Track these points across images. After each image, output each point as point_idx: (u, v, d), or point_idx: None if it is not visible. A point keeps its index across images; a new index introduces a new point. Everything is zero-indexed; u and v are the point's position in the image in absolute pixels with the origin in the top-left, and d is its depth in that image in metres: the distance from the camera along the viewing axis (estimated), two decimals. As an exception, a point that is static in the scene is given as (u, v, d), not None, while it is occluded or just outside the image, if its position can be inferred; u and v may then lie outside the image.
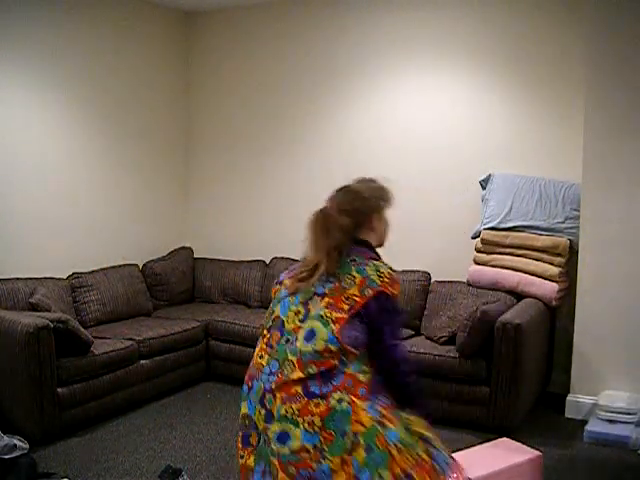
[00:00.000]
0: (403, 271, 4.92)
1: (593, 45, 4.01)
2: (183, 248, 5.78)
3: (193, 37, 5.94)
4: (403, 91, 5.08)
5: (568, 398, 4.22)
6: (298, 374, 1.95)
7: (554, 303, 4.34)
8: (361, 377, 1.98)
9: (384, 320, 2.06)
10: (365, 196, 2.27)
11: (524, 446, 2.99)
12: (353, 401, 1.92)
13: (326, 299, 2.04)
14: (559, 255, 4.31)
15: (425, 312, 4.73)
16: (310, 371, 1.94)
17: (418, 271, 4.89)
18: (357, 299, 2.02)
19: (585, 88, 4.06)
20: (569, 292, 4.36)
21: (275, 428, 1.94)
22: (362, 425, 1.90)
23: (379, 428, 1.91)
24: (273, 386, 1.98)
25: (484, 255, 4.55)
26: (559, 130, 4.57)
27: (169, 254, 5.65)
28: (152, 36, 5.61)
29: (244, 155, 5.74)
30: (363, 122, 5.25)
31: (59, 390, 3.77)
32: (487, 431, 3.79)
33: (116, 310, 4.84)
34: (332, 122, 5.40)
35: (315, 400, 1.92)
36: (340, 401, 1.91)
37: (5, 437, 3.41)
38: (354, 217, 2.21)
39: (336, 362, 1.95)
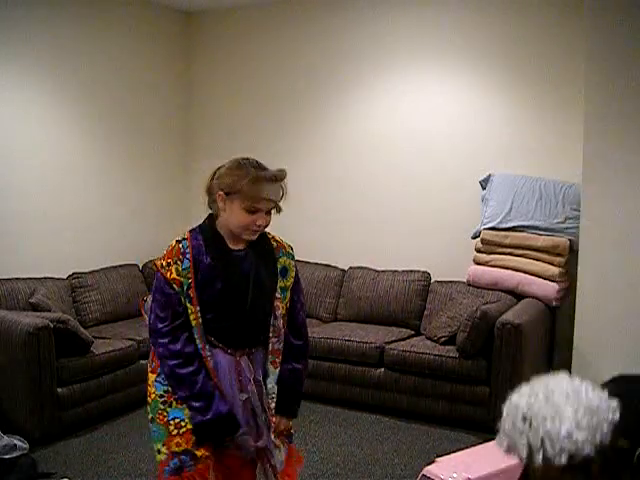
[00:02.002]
0: (403, 271, 4.94)
1: (593, 45, 4.00)
2: (183, 248, 5.76)
3: (193, 37, 5.93)
4: (403, 91, 5.07)
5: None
6: None
7: (554, 303, 4.34)
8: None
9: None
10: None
11: (524, 446, 2.97)
12: (148, 373, 2.15)
13: None
14: (559, 255, 4.31)
15: (425, 312, 4.74)
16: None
17: (418, 271, 4.89)
18: None
19: (585, 88, 4.06)
20: (569, 292, 4.36)
21: None
22: (150, 397, 2.10)
23: (160, 405, 2.06)
24: None
25: (484, 255, 4.55)
26: (559, 130, 4.57)
27: (169, 254, 5.63)
28: (152, 36, 5.60)
29: (244, 154, 5.72)
30: (363, 122, 5.25)
31: (59, 390, 3.77)
32: (487, 431, 3.78)
33: (116, 310, 4.84)
34: (332, 122, 5.39)
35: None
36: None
37: (5, 437, 3.42)
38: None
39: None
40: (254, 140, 5.69)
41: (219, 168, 2.14)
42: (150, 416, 2.08)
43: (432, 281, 4.87)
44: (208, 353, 2.05)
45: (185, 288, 2.02)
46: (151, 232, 5.64)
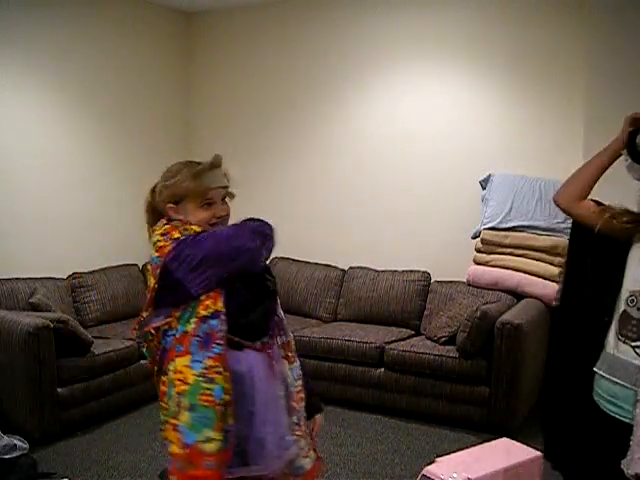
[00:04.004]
0: (403, 271, 4.94)
1: (593, 45, 4.01)
2: (183, 248, 5.76)
3: (193, 37, 5.93)
4: (403, 91, 5.07)
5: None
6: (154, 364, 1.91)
7: (554, 303, 4.33)
8: (181, 333, 1.81)
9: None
10: None
11: (524, 446, 2.98)
12: (173, 361, 1.80)
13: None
14: (559, 255, 4.30)
15: (425, 312, 4.74)
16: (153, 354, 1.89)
17: (418, 271, 4.89)
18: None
19: (585, 88, 4.06)
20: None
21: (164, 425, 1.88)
22: (186, 383, 1.77)
23: (202, 384, 1.76)
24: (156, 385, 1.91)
25: (484, 255, 4.55)
26: (559, 130, 4.57)
27: (169, 254, 5.64)
28: (152, 36, 5.61)
29: (244, 155, 5.73)
30: (363, 122, 5.25)
31: (59, 390, 3.77)
32: (487, 431, 3.79)
33: (116, 310, 4.84)
34: (332, 122, 5.39)
35: (162, 379, 1.83)
36: (174, 369, 1.80)
37: (5, 437, 3.42)
38: None
39: (161, 335, 1.84)
40: (254, 140, 5.70)
41: (154, 187, 2.03)
42: (188, 403, 1.75)
43: (432, 281, 4.87)
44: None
45: None
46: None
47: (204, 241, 1.82)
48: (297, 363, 2.08)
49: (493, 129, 4.79)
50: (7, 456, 3.33)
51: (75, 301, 4.67)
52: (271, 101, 5.62)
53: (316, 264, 5.29)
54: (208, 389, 1.76)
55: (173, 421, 1.77)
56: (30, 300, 4.20)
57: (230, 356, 1.80)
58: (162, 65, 5.73)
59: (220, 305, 1.79)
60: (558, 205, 2.09)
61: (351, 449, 3.76)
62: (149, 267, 1.90)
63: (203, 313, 1.78)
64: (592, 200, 2.03)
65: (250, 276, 1.92)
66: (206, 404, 1.75)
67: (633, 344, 1.80)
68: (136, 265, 5.31)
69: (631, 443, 1.73)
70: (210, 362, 1.76)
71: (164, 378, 1.81)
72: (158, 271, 1.82)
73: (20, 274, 4.40)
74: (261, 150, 5.69)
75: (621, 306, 1.87)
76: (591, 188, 2.03)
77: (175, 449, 1.76)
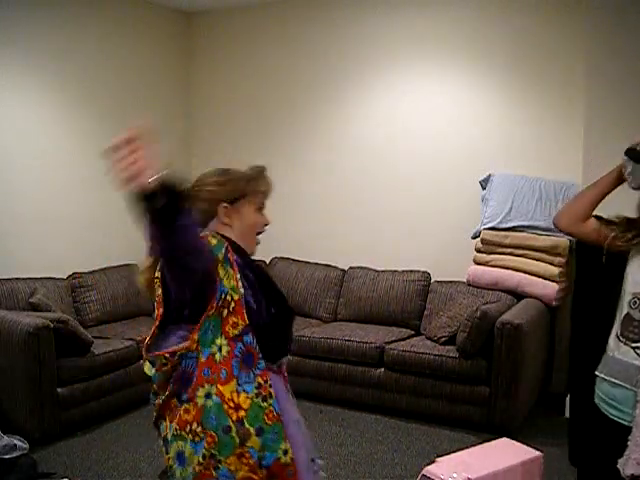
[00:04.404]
0: (403, 271, 4.94)
1: (593, 45, 4.00)
2: (183, 248, 5.76)
3: (193, 37, 5.93)
4: (403, 91, 5.07)
5: (568, 398, 4.21)
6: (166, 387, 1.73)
7: (554, 303, 4.34)
8: (217, 357, 1.69)
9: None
10: None
11: (524, 446, 2.99)
12: (219, 390, 1.68)
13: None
14: (559, 255, 4.31)
15: (425, 312, 4.74)
16: (168, 378, 1.72)
17: (418, 271, 4.89)
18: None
19: (585, 88, 4.06)
20: (569, 292, 4.36)
21: (172, 452, 1.72)
22: (241, 409, 1.68)
23: (261, 403, 1.70)
24: (158, 409, 1.77)
25: (484, 255, 4.55)
26: (559, 130, 4.57)
27: (169, 254, 5.64)
28: (152, 36, 5.61)
29: (245, 155, 5.72)
30: (363, 122, 5.25)
31: (59, 390, 3.77)
32: (487, 431, 3.79)
33: (116, 310, 4.84)
34: (332, 122, 5.39)
35: (184, 406, 1.69)
36: (208, 396, 1.68)
37: (5, 437, 3.42)
38: None
39: (177, 359, 1.69)
40: (254, 140, 5.70)
41: (201, 181, 1.89)
42: (253, 429, 1.67)
43: (432, 281, 4.87)
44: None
45: (223, 250, 1.71)
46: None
47: None
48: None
49: (493, 129, 4.79)
50: (7, 456, 3.33)
51: (75, 301, 4.67)
52: (271, 101, 5.62)
53: (316, 264, 5.29)
54: (268, 406, 1.71)
55: (237, 450, 1.66)
56: (30, 300, 4.20)
57: None
58: (162, 65, 5.73)
59: (246, 319, 1.70)
60: (558, 227, 2.12)
61: (351, 449, 3.76)
62: (158, 275, 1.75)
63: (233, 332, 1.68)
64: (593, 216, 2.05)
65: (273, 294, 1.84)
66: (273, 421, 1.70)
67: (633, 345, 1.80)
68: (136, 265, 5.30)
69: (629, 443, 1.73)
70: (260, 379, 1.70)
71: (188, 406, 1.68)
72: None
73: (20, 274, 4.40)
74: (261, 150, 5.68)
75: (624, 308, 1.87)
76: (592, 211, 2.05)
77: (247, 474, 1.67)
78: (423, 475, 2.74)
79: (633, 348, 1.80)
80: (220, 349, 1.68)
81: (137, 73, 5.46)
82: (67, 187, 4.92)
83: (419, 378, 4.14)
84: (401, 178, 5.12)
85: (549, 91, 4.60)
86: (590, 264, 2.07)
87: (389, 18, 5.07)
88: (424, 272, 4.89)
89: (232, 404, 1.67)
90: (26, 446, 3.47)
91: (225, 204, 1.83)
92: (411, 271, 4.91)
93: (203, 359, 1.68)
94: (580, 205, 2.06)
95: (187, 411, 1.68)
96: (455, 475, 2.64)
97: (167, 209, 1.43)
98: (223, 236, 1.78)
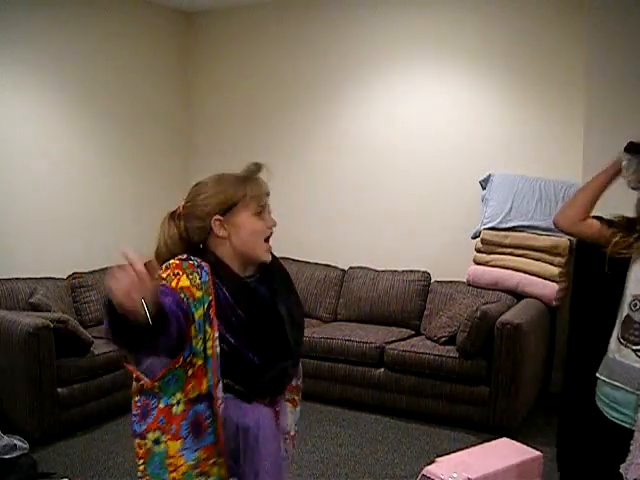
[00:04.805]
0: (403, 271, 4.94)
1: (593, 45, 4.00)
2: (183, 248, 5.76)
3: (193, 37, 5.93)
4: (403, 91, 5.07)
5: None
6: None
7: (554, 303, 4.34)
8: (174, 410, 1.60)
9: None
10: None
11: (524, 446, 2.98)
12: (168, 442, 1.60)
13: None
14: (559, 255, 4.31)
15: (425, 312, 4.74)
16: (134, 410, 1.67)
17: (418, 271, 4.89)
18: None
19: (585, 88, 4.06)
20: (569, 292, 4.35)
21: None
22: (179, 471, 1.60)
23: (194, 478, 1.61)
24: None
25: (484, 255, 4.55)
26: (559, 130, 4.57)
27: (169, 254, 5.64)
28: (152, 36, 5.61)
29: (245, 155, 5.69)
30: (363, 122, 5.25)
31: (59, 390, 3.77)
32: (487, 431, 3.79)
33: (116, 310, 4.83)
34: (332, 122, 5.39)
35: (138, 441, 1.63)
36: (157, 442, 1.60)
37: (5, 437, 3.42)
38: None
39: (143, 397, 1.63)
40: (254, 140, 5.69)
41: (192, 197, 1.78)
42: None
43: (432, 281, 4.87)
44: (220, 395, 1.61)
45: (205, 306, 1.57)
46: (151, 232, 5.62)
47: None
48: (299, 407, 1.95)
49: (493, 129, 4.79)
50: (7, 456, 3.33)
51: (75, 301, 4.66)
52: (271, 101, 5.62)
53: (316, 264, 5.29)
54: None
55: None
56: (30, 300, 4.20)
57: (236, 407, 1.66)
58: (162, 65, 5.73)
59: (204, 387, 1.59)
60: (558, 227, 2.12)
61: (351, 449, 3.75)
62: None
63: (190, 395, 1.60)
64: (593, 217, 2.05)
65: (271, 332, 1.74)
66: None
67: (635, 347, 1.79)
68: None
69: (631, 447, 1.72)
70: (203, 454, 1.60)
71: (140, 442, 1.62)
72: None
73: (20, 274, 4.40)
74: (261, 150, 5.68)
75: (624, 310, 1.86)
76: (591, 209, 2.04)
77: None
78: (423, 475, 2.74)
79: (634, 351, 1.79)
80: (178, 404, 1.60)
81: (137, 73, 5.46)
82: (67, 187, 4.92)
83: (419, 378, 4.14)
84: (401, 178, 5.12)
85: (549, 91, 4.60)
86: (589, 264, 2.06)
87: (389, 18, 5.07)
88: (424, 272, 4.89)
89: (173, 461, 1.60)
90: (26, 446, 3.47)
91: (217, 216, 1.71)
92: (411, 271, 4.91)
93: (162, 405, 1.61)
94: (579, 204, 2.06)
95: (140, 446, 1.64)
96: (455, 475, 2.64)
97: (151, 335, 1.35)
98: (212, 259, 1.68)
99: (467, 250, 4.65)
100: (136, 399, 1.66)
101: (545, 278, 4.33)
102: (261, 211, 1.74)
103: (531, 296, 4.36)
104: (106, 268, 4.99)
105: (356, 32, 5.21)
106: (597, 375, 1.92)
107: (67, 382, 3.83)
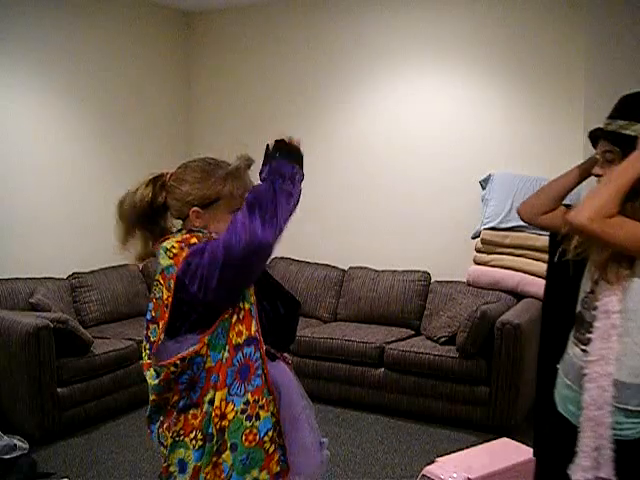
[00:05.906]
0: (403, 271, 4.94)
1: (593, 45, 4.00)
2: (183, 248, 5.77)
3: (193, 37, 5.93)
4: (403, 92, 5.07)
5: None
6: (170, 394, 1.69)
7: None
8: (223, 361, 1.64)
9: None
10: None
11: (524, 446, 2.99)
12: (214, 395, 1.63)
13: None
14: (559, 255, 4.30)
15: (425, 312, 4.74)
16: (170, 387, 1.68)
17: (418, 271, 4.89)
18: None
19: (585, 88, 4.06)
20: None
21: (173, 459, 1.69)
22: (225, 418, 1.61)
23: (244, 421, 1.62)
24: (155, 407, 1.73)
25: (484, 255, 4.55)
26: (559, 130, 4.57)
27: (169, 254, 5.64)
28: (152, 36, 5.61)
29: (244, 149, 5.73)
30: (363, 122, 5.25)
31: (59, 390, 3.77)
32: (487, 431, 3.79)
33: (116, 310, 4.84)
34: (332, 123, 5.39)
35: (192, 411, 1.65)
36: (211, 402, 1.63)
37: (5, 437, 3.42)
38: None
39: (187, 364, 1.64)
40: (254, 140, 5.67)
41: (159, 179, 1.86)
42: (229, 443, 1.61)
43: (432, 281, 4.87)
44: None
45: None
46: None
47: (215, 246, 1.59)
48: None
49: (493, 129, 4.79)
50: (7, 456, 3.33)
51: (75, 301, 4.67)
52: (271, 101, 5.62)
53: (316, 264, 5.29)
54: (252, 427, 1.62)
55: (213, 459, 1.61)
56: (30, 300, 4.20)
57: (269, 367, 1.69)
58: (162, 65, 5.73)
59: (253, 330, 1.64)
60: (520, 217, 2.09)
61: (351, 449, 3.76)
62: (159, 277, 1.70)
63: (236, 340, 1.63)
64: (564, 205, 2.03)
65: (279, 285, 1.84)
66: (251, 444, 1.62)
67: (582, 347, 1.74)
68: (136, 265, 5.31)
69: (577, 449, 1.69)
70: (251, 397, 1.62)
71: (195, 411, 1.64)
72: (172, 283, 1.63)
73: (20, 274, 4.40)
74: (261, 150, 5.67)
75: (578, 307, 1.81)
76: (557, 204, 1.99)
77: None
78: (423, 475, 2.74)
79: (582, 350, 1.74)
80: (226, 352, 1.63)
81: (137, 73, 5.46)
82: (67, 187, 4.92)
83: (419, 378, 4.14)
84: (401, 178, 5.12)
85: (549, 91, 4.60)
86: (559, 259, 2.02)
87: (389, 18, 5.07)
88: (424, 272, 4.89)
89: (218, 412, 1.61)
90: (26, 446, 3.47)
91: (196, 208, 1.74)
92: (411, 271, 4.91)
93: (212, 364, 1.63)
94: (543, 198, 2.03)
95: (195, 416, 1.64)
96: (455, 475, 2.65)
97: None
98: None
99: (467, 250, 4.65)
100: (180, 386, 1.65)
101: (545, 278, 4.32)
102: (239, 208, 1.72)
103: (531, 296, 4.36)
104: (106, 268, 5.01)
105: (356, 32, 5.21)
106: (557, 366, 1.87)
107: (67, 382, 3.83)
